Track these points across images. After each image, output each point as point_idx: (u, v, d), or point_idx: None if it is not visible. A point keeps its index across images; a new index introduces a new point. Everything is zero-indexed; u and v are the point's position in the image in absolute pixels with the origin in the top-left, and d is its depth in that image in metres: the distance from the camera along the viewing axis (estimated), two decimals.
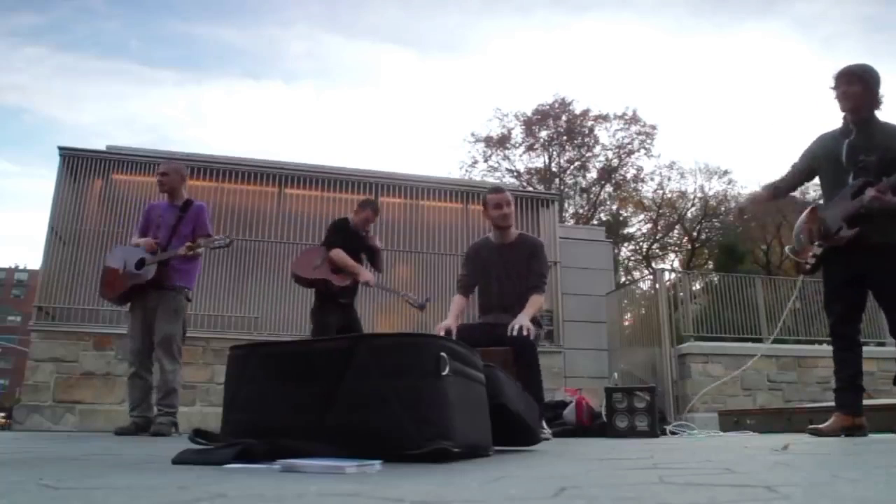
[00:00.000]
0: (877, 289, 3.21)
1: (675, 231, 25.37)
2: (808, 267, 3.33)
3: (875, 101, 3.19)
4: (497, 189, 4.02)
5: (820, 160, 3.37)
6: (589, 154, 24.67)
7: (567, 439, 4.27)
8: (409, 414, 1.49)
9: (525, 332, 3.38)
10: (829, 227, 3.22)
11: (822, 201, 3.42)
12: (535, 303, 3.65)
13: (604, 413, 4.69)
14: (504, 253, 3.81)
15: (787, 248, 3.72)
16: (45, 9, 77.61)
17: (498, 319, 3.64)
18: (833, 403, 3.32)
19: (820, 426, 3.27)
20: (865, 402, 3.36)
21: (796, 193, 3.98)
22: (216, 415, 3.92)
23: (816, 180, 3.49)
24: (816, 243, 3.29)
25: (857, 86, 3.17)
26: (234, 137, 64.74)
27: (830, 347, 3.38)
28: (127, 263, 4.21)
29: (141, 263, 4.13)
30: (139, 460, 1.65)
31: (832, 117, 3.35)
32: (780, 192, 3.60)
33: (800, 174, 3.52)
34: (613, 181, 24.84)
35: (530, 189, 18.85)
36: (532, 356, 3.45)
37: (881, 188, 3.02)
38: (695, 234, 24.63)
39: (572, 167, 24.93)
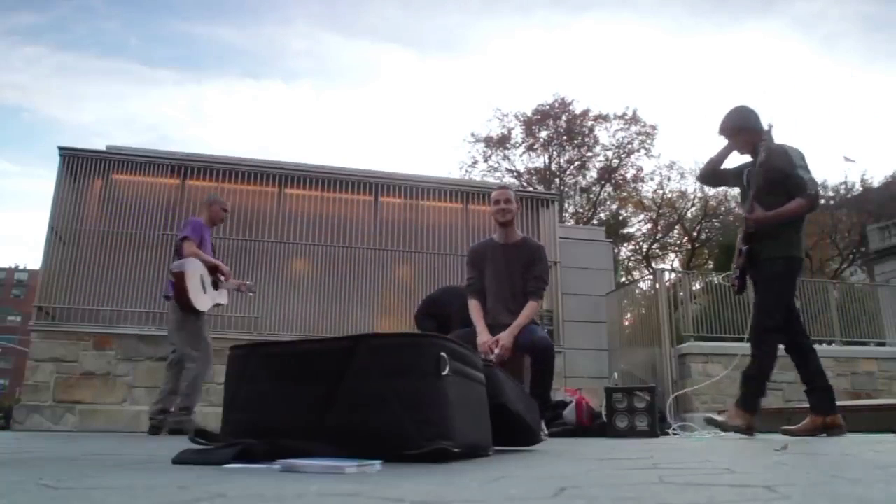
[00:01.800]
0: None
1: (675, 231, 25.34)
2: (735, 287, 3.68)
3: (760, 133, 3.56)
4: (500, 186, 4.06)
5: (739, 184, 3.76)
6: (589, 154, 24.65)
7: (567, 439, 4.27)
8: (409, 414, 1.48)
9: (502, 353, 3.37)
10: (738, 247, 3.61)
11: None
12: (531, 310, 3.64)
13: (604, 413, 4.69)
14: (505, 253, 3.80)
15: (719, 278, 4.14)
16: (44, 8, 77.80)
17: (496, 321, 3.65)
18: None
19: (791, 427, 3.49)
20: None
21: None
22: (216, 415, 3.92)
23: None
24: (734, 265, 3.66)
25: (741, 135, 3.60)
26: (234, 137, 64.90)
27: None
28: (205, 284, 4.51)
29: (214, 285, 4.60)
30: (139, 460, 1.65)
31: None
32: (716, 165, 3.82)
33: (731, 171, 3.81)
34: (613, 181, 24.81)
35: (530, 189, 18.84)
36: (551, 362, 3.51)
37: (747, 209, 3.40)
38: (695, 234, 24.60)
39: (572, 167, 24.91)
